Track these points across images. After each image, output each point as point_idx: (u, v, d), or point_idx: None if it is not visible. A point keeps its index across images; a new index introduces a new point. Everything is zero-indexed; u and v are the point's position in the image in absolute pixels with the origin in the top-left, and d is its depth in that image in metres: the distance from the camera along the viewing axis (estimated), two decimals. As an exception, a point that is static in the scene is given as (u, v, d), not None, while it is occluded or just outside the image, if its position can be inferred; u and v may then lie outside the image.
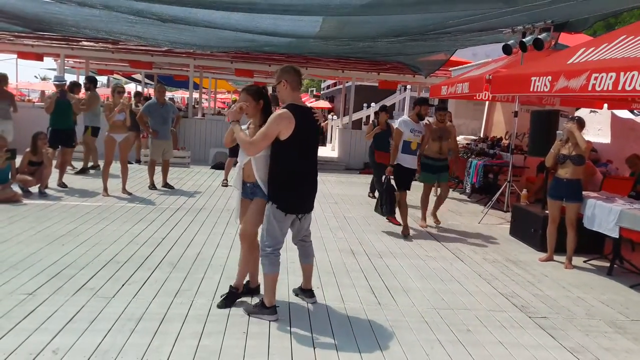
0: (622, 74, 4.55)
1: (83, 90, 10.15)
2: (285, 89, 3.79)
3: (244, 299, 4.10)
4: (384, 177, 6.76)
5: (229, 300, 4.01)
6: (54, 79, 9.33)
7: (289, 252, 4.58)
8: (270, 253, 3.77)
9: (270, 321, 3.76)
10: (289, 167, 3.74)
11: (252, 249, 4.04)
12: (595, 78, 4.86)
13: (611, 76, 4.66)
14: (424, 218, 7.45)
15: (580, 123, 5.86)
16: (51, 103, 8.25)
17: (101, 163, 8.42)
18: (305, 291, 4.26)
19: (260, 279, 4.06)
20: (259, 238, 3.94)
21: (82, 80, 12.43)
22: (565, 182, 5.81)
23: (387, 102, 30.05)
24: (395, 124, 7.33)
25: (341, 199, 9.11)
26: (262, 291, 4.02)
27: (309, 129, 3.80)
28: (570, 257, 5.87)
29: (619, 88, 4.54)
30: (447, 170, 7.52)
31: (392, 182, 6.70)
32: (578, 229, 5.83)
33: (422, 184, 7.48)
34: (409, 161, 6.71)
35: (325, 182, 11.18)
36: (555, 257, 6.02)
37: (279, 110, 3.71)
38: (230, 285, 4.10)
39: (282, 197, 3.75)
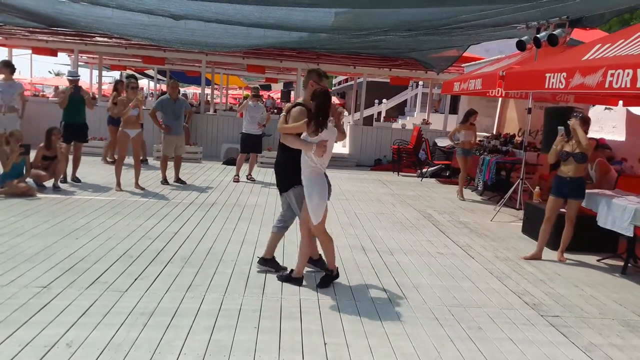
0: (639, 70, 4.47)
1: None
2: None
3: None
4: None
5: (326, 281, 4.52)
6: (67, 74, 9.39)
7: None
8: None
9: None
10: None
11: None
12: (612, 75, 4.78)
13: (628, 73, 4.57)
14: None
15: (584, 120, 5.74)
16: (65, 98, 8.28)
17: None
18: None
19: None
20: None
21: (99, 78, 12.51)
22: (568, 180, 5.76)
23: (399, 98, 29.88)
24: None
25: (352, 196, 9.11)
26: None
27: None
28: (563, 250, 5.92)
29: (638, 85, 4.47)
30: None
31: None
32: (581, 226, 5.85)
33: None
34: None
35: (336, 178, 11.17)
36: (566, 254, 5.97)
37: None
38: (326, 269, 4.57)
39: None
